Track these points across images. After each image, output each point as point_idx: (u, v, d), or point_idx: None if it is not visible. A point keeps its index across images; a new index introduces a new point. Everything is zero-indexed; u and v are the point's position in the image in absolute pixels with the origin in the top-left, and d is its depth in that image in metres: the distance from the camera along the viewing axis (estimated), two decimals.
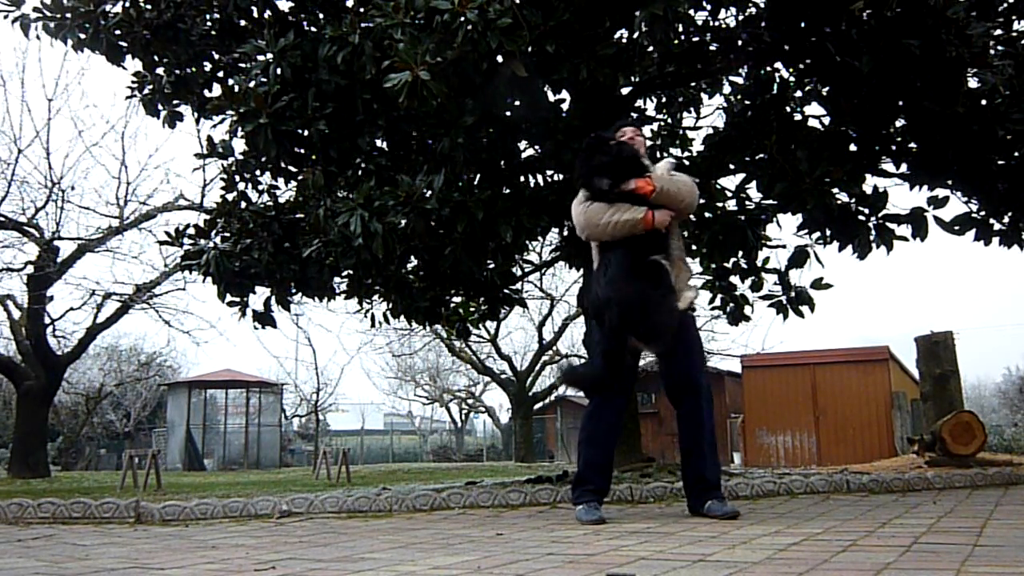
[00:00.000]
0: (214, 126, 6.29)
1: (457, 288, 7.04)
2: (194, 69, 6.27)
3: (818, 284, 6.37)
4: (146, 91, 6.33)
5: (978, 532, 2.95)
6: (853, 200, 5.88)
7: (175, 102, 6.42)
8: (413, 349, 27.70)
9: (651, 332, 3.66)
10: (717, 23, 6.07)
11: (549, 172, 6.32)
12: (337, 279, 6.60)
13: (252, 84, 5.37)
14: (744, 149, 6.05)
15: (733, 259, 6.79)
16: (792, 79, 6.15)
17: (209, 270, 6.07)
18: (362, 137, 5.64)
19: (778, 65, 6.17)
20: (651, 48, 6.01)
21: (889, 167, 6.10)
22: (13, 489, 9.74)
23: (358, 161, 5.95)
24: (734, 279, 7.02)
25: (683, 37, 6.06)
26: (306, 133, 5.43)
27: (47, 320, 14.81)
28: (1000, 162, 5.72)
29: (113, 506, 4.52)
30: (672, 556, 2.57)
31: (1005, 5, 5.48)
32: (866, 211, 5.84)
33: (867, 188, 5.94)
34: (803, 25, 5.46)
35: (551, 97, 6.05)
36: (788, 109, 6.16)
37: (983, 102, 5.46)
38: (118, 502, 4.56)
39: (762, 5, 5.80)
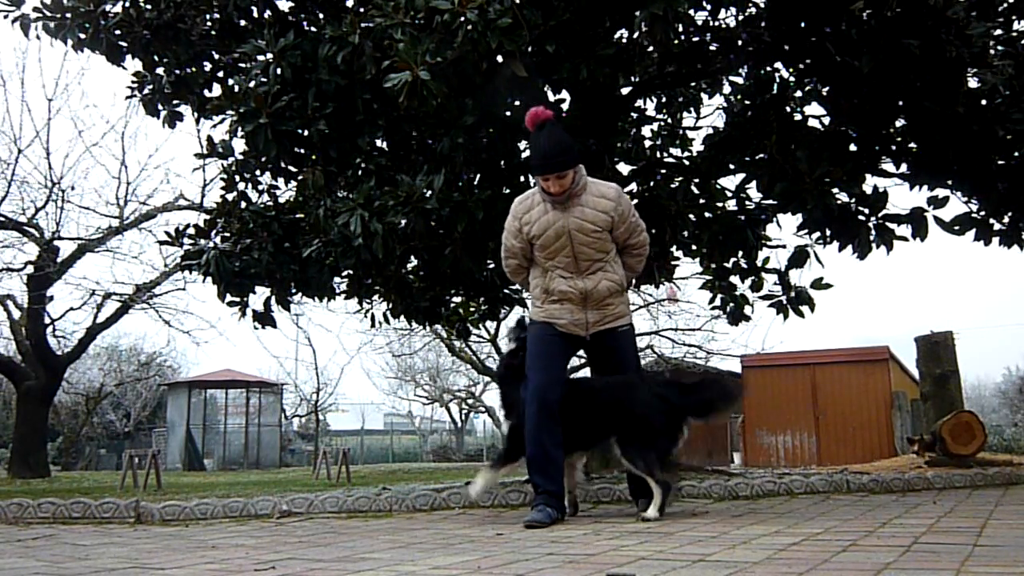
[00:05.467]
0: (214, 126, 6.29)
1: (457, 288, 7.03)
2: (194, 69, 6.27)
3: (818, 284, 6.36)
4: (146, 91, 6.33)
5: (978, 532, 2.95)
6: (853, 200, 5.87)
7: (175, 102, 6.41)
8: (413, 349, 27.70)
9: None
10: (717, 23, 6.07)
11: None
12: (337, 279, 6.60)
13: (252, 84, 5.37)
14: (744, 149, 6.04)
15: (733, 259, 6.78)
16: (792, 79, 6.15)
17: (209, 270, 6.06)
18: (362, 137, 5.64)
19: (778, 65, 6.17)
20: (651, 48, 6.01)
21: (889, 167, 6.10)
22: (13, 489, 9.75)
23: (358, 161, 5.95)
24: (734, 279, 7.00)
25: (683, 37, 6.05)
26: (306, 133, 5.43)
27: (47, 320, 14.82)
28: (1000, 162, 5.72)
29: (113, 506, 4.51)
30: (672, 556, 2.57)
31: (1005, 5, 5.48)
32: (866, 211, 5.83)
33: (867, 188, 5.94)
34: (803, 25, 5.46)
35: (551, 97, 6.05)
36: (788, 109, 6.15)
37: (983, 102, 5.46)
38: (118, 502, 4.56)
39: (762, 5, 5.80)
